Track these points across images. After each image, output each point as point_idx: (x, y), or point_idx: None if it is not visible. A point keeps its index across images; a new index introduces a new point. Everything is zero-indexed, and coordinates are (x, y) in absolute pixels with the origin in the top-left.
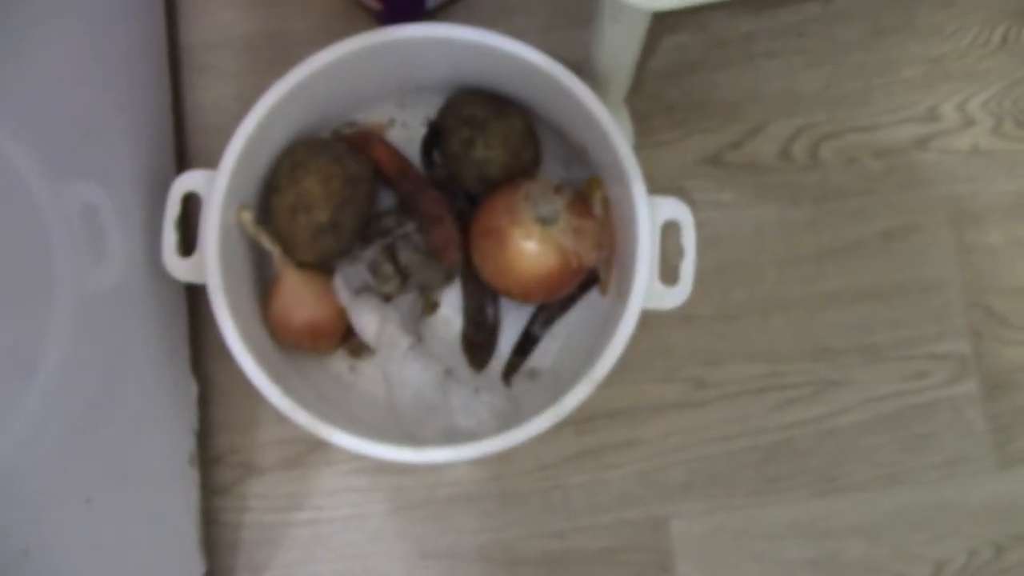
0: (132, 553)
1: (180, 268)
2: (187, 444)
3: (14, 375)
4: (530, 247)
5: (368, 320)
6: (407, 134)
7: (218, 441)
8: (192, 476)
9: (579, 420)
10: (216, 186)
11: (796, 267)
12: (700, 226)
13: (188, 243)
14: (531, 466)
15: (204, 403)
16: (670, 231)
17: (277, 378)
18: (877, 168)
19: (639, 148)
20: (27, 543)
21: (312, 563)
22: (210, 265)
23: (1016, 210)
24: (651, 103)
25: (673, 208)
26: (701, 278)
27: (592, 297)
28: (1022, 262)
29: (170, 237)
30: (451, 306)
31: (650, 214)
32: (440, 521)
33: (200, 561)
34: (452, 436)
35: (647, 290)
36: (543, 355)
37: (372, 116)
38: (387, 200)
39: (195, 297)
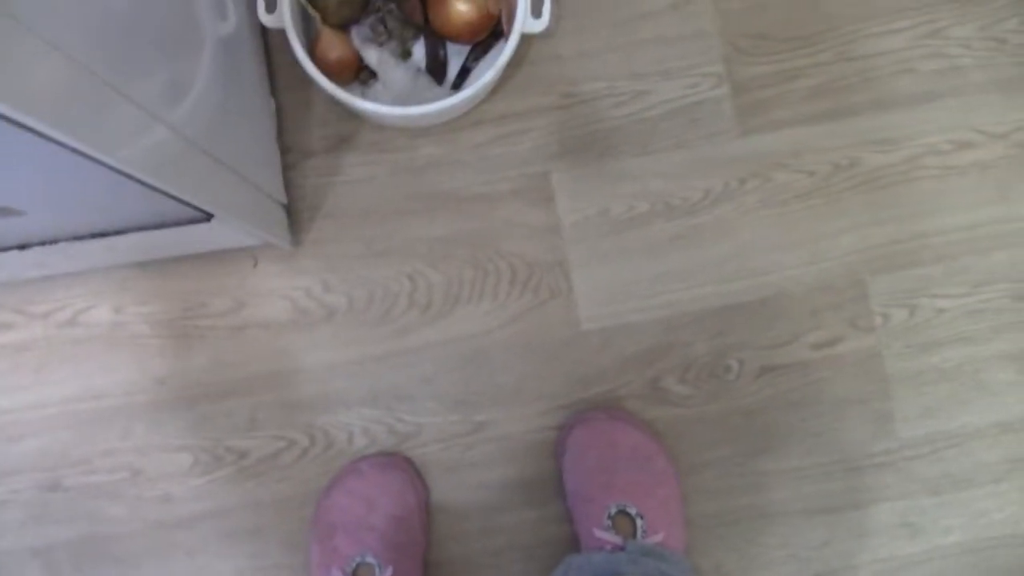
0: (251, 185)
1: (269, 19)
2: (272, 129)
3: (180, 90)
4: (461, 6)
5: (371, 54)
6: None
7: (286, 139)
8: (276, 148)
9: (496, 118)
10: None
11: (622, 22)
12: None
13: (270, 8)
14: (469, 144)
15: (278, 115)
16: None
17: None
18: None
19: None
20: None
21: (342, 205)
22: (285, 17)
23: None
24: None
25: None
26: (565, 20)
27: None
28: (759, 15)
29: (261, 1)
30: (419, 52)
31: None
32: (418, 176)
33: (284, 196)
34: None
35: (524, 20)
36: (474, 79)
37: None
38: None
39: (269, 53)
